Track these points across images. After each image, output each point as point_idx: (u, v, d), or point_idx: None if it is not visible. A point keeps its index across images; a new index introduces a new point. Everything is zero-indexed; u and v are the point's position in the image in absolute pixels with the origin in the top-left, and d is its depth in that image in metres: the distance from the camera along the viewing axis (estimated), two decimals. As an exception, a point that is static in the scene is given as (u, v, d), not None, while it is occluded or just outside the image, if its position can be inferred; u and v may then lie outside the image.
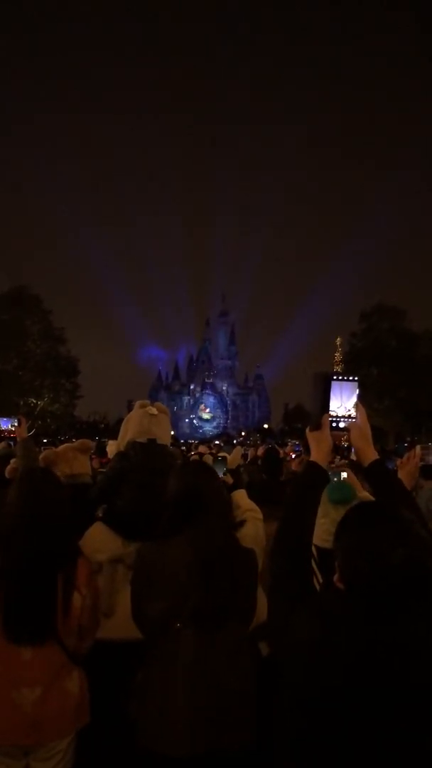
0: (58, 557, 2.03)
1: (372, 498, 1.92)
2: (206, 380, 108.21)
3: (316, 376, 1.56)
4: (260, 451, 7.11)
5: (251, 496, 2.72)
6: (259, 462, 6.17)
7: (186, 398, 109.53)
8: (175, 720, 1.74)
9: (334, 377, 1.53)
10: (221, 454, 3.51)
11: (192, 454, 6.31)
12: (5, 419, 3.83)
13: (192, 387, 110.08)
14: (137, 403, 3.10)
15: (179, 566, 1.85)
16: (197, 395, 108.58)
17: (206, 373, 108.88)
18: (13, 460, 3.34)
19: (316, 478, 1.48)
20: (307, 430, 1.55)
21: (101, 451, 7.37)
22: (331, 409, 1.51)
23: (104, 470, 3.45)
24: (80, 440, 3.51)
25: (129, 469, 2.83)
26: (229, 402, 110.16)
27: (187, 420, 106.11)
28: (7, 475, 3.22)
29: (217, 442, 25.28)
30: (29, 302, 35.21)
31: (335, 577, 1.21)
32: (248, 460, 7.24)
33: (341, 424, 1.52)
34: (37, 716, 1.89)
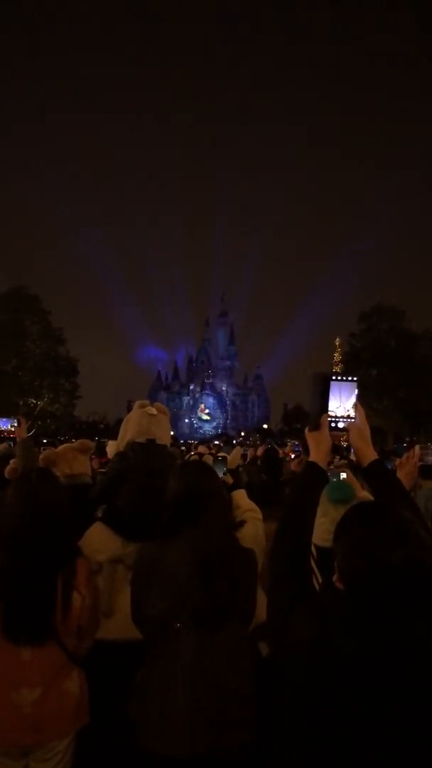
0: (57, 557, 2.03)
1: (372, 498, 1.92)
2: (206, 380, 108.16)
3: (314, 377, 1.56)
4: (259, 451, 7.11)
5: (251, 497, 2.72)
6: (259, 462, 6.17)
7: (185, 398, 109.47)
8: (175, 720, 1.74)
9: (333, 378, 1.53)
10: (221, 454, 3.51)
11: (191, 455, 6.31)
12: (5, 419, 3.83)
13: (191, 387, 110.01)
14: (136, 404, 3.10)
15: (179, 566, 1.85)
16: (197, 395, 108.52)
17: (206, 373, 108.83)
18: (12, 461, 3.34)
19: (315, 478, 1.48)
20: (306, 431, 1.55)
21: (101, 451, 7.37)
22: (330, 409, 1.52)
23: (104, 470, 3.46)
24: (80, 440, 3.51)
25: (128, 470, 2.82)
26: (228, 402, 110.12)
27: (186, 420, 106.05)
28: (6, 475, 3.22)
29: (216, 442, 25.27)
30: (29, 302, 35.20)
31: (334, 578, 1.21)
32: (247, 460, 7.25)
33: (340, 425, 1.52)
34: (37, 717, 1.89)
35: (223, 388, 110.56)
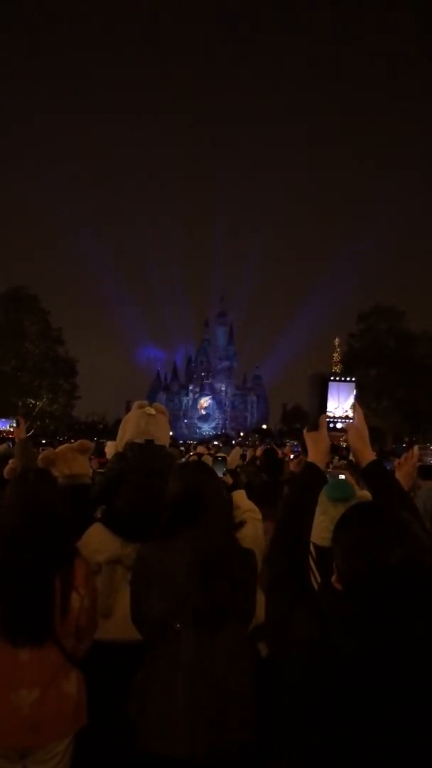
0: (55, 558, 2.03)
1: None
2: (205, 381, 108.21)
3: (313, 378, 1.56)
4: (258, 451, 7.11)
5: (250, 497, 2.72)
6: (258, 463, 6.18)
7: (184, 399, 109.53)
8: (175, 720, 1.74)
9: (331, 378, 1.53)
10: (220, 454, 3.50)
11: (191, 455, 6.31)
12: (4, 420, 3.83)
13: (190, 387, 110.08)
14: (135, 404, 3.10)
15: (179, 567, 1.85)
16: (196, 396, 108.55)
17: (205, 373, 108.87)
18: (11, 461, 3.34)
19: (313, 478, 1.48)
20: (305, 431, 1.55)
21: (100, 451, 7.36)
22: (328, 410, 1.52)
23: (103, 471, 3.45)
24: (79, 441, 3.51)
25: (127, 470, 2.82)
26: (227, 402, 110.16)
27: (185, 421, 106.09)
28: (5, 475, 3.22)
29: (215, 442, 25.27)
30: (28, 302, 35.18)
31: (333, 578, 1.21)
32: (246, 460, 7.24)
33: (338, 425, 1.52)
34: (35, 718, 1.88)
35: (222, 389, 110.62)
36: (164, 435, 3.04)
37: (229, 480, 2.92)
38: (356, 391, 1.53)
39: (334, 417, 1.52)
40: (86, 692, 2.06)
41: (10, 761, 1.92)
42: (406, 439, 34.15)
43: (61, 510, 2.13)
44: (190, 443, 22.57)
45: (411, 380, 34.40)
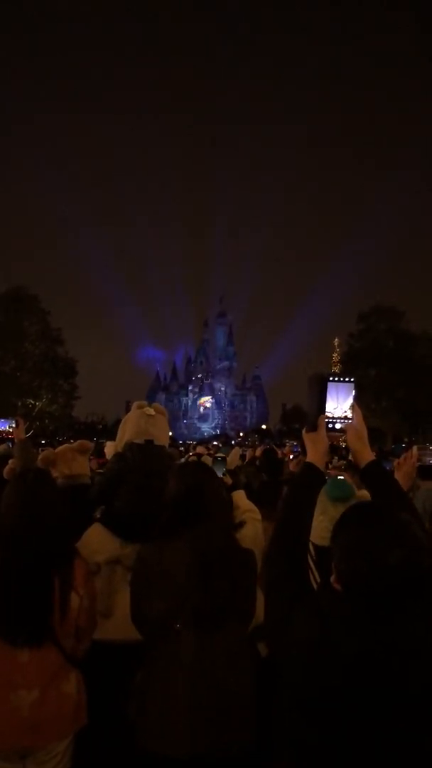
0: (54, 558, 2.03)
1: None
2: (204, 381, 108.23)
3: (312, 378, 1.56)
4: (258, 452, 7.12)
5: (250, 497, 2.72)
6: (257, 463, 6.18)
7: (184, 399, 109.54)
8: (175, 720, 1.74)
9: (330, 378, 1.53)
10: (219, 454, 3.51)
11: (190, 455, 6.31)
12: (3, 420, 3.85)
13: (190, 388, 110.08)
14: (135, 404, 3.10)
15: (178, 567, 1.85)
16: (195, 396, 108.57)
17: (204, 373, 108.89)
18: (11, 461, 3.34)
19: (312, 478, 1.49)
20: (304, 432, 1.55)
21: (99, 452, 7.37)
22: (327, 410, 1.52)
23: (102, 471, 3.46)
24: (79, 441, 3.51)
25: (127, 471, 2.82)
26: (227, 403, 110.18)
27: (185, 421, 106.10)
28: (5, 475, 3.23)
29: (215, 442, 25.27)
30: (28, 302, 35.19)
31: (332, 578, 1.22)
32: (246, 461, 7.25)
33: (337, 426, 1.52)
34: (35, 718, 1.88)
35: (222, 389, 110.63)
36: (164, 435, 3.05)
37: (229, 480, 2.93)
38: (355, 392, 1.53)
39: (333, 417, 1.52)
40: (86, 692, 2.06)
41: (10, 762, 1.92)
42: (406, 440, 34.12)
43: (60, 510, 2.13)
44: (190, 443, 22.56)
45: (410, 380, 34.43)
